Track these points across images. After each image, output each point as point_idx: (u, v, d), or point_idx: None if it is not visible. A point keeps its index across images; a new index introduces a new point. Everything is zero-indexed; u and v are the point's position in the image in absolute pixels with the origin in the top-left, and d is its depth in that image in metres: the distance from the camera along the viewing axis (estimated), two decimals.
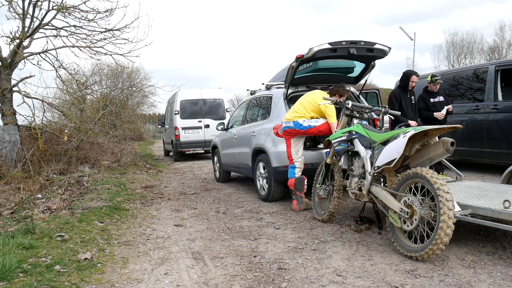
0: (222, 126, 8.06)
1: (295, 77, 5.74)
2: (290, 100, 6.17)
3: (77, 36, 9.20)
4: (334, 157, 4.46)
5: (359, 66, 6.05)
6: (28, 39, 9.01)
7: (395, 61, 60.71)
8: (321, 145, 5.69)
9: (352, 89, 6.43)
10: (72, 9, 8.72)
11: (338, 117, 4.98)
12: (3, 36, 8.86)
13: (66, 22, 9.06)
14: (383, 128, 5.49)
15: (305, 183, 5.18)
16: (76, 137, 9.80)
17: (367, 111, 4.59)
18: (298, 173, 5.18)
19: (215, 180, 8.63)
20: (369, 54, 5.37)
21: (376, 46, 5.31)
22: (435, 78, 6.14)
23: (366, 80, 6.34)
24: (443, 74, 7.93)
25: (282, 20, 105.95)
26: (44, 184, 7.07)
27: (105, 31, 9.15)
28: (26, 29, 8.82)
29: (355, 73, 6.24)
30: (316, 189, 4.82)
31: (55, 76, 9.62)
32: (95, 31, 9.15)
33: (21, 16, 8.71)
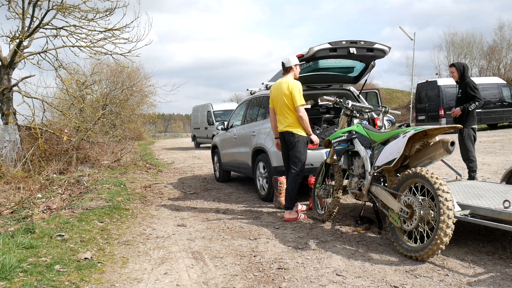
0: (222, 126, 8.05)
1: None
2: None
3: (77, 35, 9.22)
4: (334, 157, 4.46)
5: (359, 66, 6.05)
6: (28, 39, 9.02)
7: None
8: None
9: (352, 89, 6.43)
10: (72, 8, 8.73)
11: (337, 116, 4.95)
12: (3, 36, 8.89)
13: (66, 22, 9.08)
14: (383, 128, 5.50)
15: None
16: (76, 137, 9.80)
17: (367, 111, 4.59)
18: None
19: (215, 180, 8.63)
20: (369, 53, 5.37)
21: (376, 45, 5.31)
22: None
23: (366, 80, 6.34)
24: None
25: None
26: (44, 184, 7.07)
27: (105, 31, 9.16)
28: (26, 28, 8.82)
29: (355, 73, 6.24)
30: (316, 189, 4.82)
31: (55, 76, 9.65)
32: (95, 30, 9.17)
33: (21, 15, 8.72)
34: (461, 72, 5.52)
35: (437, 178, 3.08)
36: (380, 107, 4.56)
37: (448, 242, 2.97)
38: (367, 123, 4.57)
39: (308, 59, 5.38)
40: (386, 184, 3.79)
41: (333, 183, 4.49)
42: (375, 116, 5.83)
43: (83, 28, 9.11)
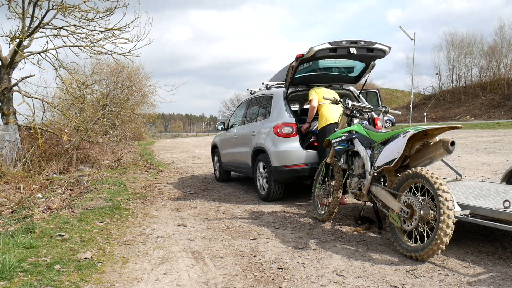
0: (222, 126, 8.05)
1: (295, 76, 5.74)
2: (290, 100, 6.17)
3: (77, 35, 9.22)
4: (334, 157, 4.46)
5: (359, 66, 6.05)
6: (28, 39, 9.02)
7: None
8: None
9: (352, 88, 6.43)
10: (72, 8, 8.74)
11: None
12: (3, 36, 8.89)
13: (66, 22, 9.09)
14: (383, 128, 5.50)
15: None
16: (76, 137, 9.81)
17: (367, 111, 4.59)
18: None
19: (215, 179, 8.63)
20: (369, 53, 5.37)
21: (376, 45, 5.31)
22: None
23: (366, 80, 6.34)
24: None
25: None
26: (44, 184, 7.07)
27: (105, 31, 9.16)
28: (26, 28, 8.83)
29: (355, 73, 6.24)
30: (316, 189, 4.82)
31: (55, 76, 9.67)
32: (95, 30, 9.18)
33: (21, 15, 8.72)
34: None
35: (437, 178, 3.08)
36: (380, 107, 4.56)
37: (448, 242, 2.97)
38: (367, 123, 4.57)
39: (308, 59, 5.38)
40: (386, 184, 3.79)
41: (333, 183, 4.49)
42: (375, 116, 5.83)
43: (83, 28, 9.13)
